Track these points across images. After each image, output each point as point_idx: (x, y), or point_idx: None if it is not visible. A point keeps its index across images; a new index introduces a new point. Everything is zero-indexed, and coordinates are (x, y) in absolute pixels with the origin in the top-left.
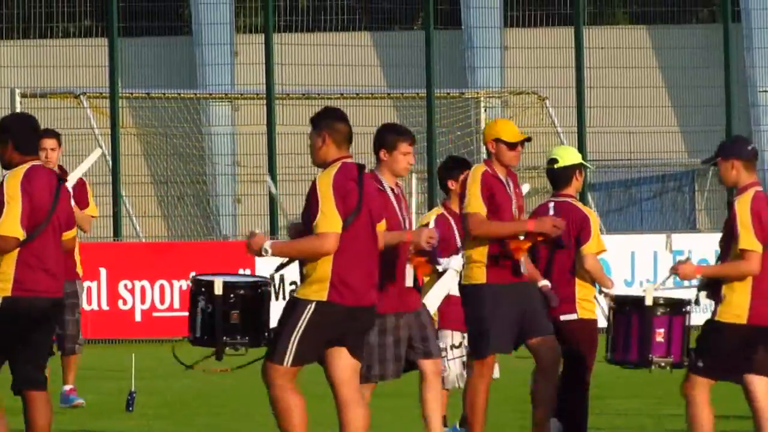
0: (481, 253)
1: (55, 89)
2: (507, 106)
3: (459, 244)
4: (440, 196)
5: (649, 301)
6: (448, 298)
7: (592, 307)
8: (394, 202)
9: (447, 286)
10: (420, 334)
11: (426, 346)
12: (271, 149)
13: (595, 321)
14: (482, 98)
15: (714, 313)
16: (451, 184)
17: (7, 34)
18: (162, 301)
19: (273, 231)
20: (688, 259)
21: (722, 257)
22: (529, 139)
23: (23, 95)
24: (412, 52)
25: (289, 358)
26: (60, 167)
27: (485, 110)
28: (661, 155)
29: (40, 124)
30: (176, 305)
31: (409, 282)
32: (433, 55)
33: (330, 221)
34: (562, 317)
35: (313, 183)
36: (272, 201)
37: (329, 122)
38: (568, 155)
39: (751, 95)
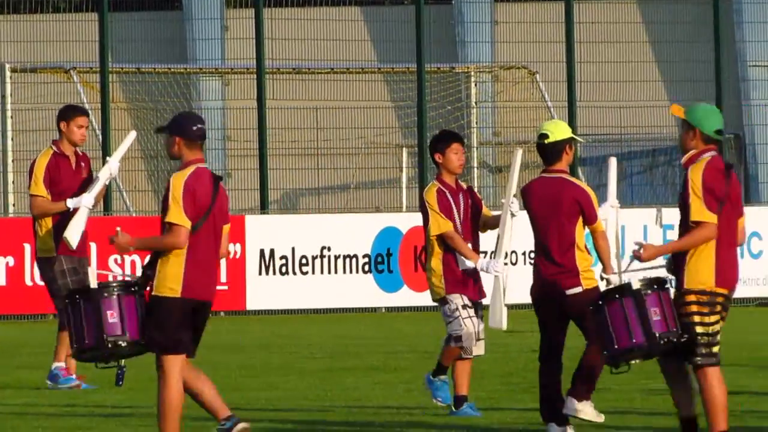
0: None
1: (45, 64)
2: (497, 81)
3: (456, 215)
4: (431, 170)
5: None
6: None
7: (593, 275)
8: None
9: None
10: None
11: None
12: (262, 124)
13: (598, 288)
14: (473, 73)
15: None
16: (438, 157)
17: None
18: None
19: (263, 206)
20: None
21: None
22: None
23: (13, 70)
24: (403, 27)
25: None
26: (84, 153)
27: (476, 85)
28: (651, 129)
29: (31, 99)
30: None
31: None
32: (424, 30)
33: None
34: (568, 292)
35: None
36: (263, 176)
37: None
38: (558, 130)
39: (741, 69)
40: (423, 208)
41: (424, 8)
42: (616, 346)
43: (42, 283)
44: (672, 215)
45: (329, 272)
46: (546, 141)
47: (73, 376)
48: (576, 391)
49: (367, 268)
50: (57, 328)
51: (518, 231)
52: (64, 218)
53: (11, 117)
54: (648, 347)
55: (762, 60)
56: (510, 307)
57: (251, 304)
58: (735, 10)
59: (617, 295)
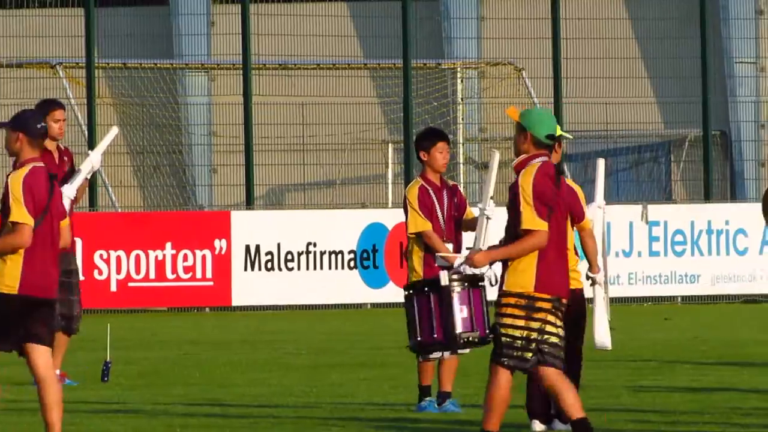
0: None
1: (31, 59)
2: (483, 77)
3: (439, 213)
4: (417, 167)
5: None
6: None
7: (579, 276)
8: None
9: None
10: None
11: None
12: (248, 119)
13: (582, 290)
14: (459, 69)
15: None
16: (423, 156)
17: None
18: (138, 271)
19: (249, 202)
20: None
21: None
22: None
23: None
24: (389, 23)
25: None
26: (66, 148)
27: (462, 81)
28: (637, 126)
29: (17, 94)
30: (152, 275)
31: None
32: (410, 26)
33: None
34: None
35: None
36: (249, 172)
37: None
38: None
39: (727, 66)
40: (404, 206)
41: (411, 4)
42: (419, 338)
43: None
44: (658, 212)
45: (315, 268)
46: None
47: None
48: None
49: (352, 264)
50: None
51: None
52: None
53: None
54: (447, 345)
55: (748, 57)
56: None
57: (237, 300)
58: (721, 7)
59: (426, 289)
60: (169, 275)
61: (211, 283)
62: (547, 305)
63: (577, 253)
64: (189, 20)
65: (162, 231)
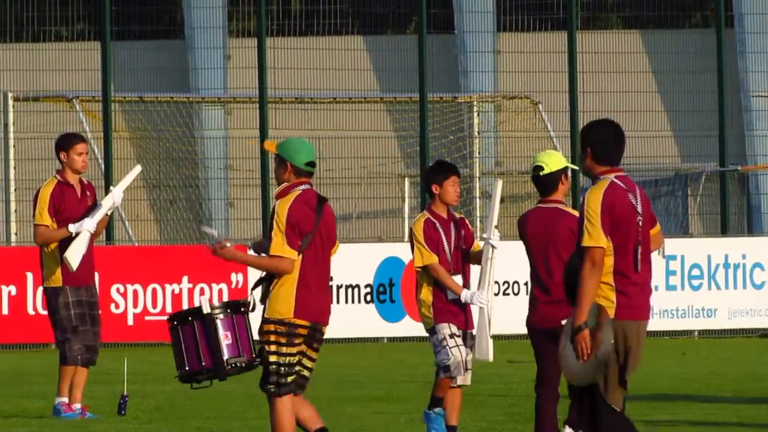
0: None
1: (47, 93)
2: (500, 111)
3: (446, 247)
4: None
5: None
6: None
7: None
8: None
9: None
10: None
11: None
12: (264, 153)
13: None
14: (475, 102)
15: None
16: (435, 189)
17: None
18: (154, 305)
19: (265, 235)
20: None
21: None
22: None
23: (16, 99)
24: (405, 56)
25: None
26: (89, 183)
27: (478, 114)
28: (653, 160)
29: (33, 128)
30: (168, 309)
31: None
32: (426, 60)
33: None
34: (564, 322)
35: None
36: (265, 205)
37: None
38: (553, 161)
39: (745, 100)
40: (411, 240)
41: (427, 38)
42: (186, 368)
43: (45, 312)
44: (675, 246)
45: (331, 302)
46: (541, 173)
47: (74, 412)
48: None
49: (369, 298)
50: (58, 361)
51: (518, 261)
52: (67, 244)
53: (14, 146)
54: (215, 371)
55: (765, 90)
56: (511, 337)
57: (254, 334)
58: (738, 40)
59: (190, 318)
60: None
61: None
62: (304, 331)
63: None
64: (205, 54)
65: (179, 265)
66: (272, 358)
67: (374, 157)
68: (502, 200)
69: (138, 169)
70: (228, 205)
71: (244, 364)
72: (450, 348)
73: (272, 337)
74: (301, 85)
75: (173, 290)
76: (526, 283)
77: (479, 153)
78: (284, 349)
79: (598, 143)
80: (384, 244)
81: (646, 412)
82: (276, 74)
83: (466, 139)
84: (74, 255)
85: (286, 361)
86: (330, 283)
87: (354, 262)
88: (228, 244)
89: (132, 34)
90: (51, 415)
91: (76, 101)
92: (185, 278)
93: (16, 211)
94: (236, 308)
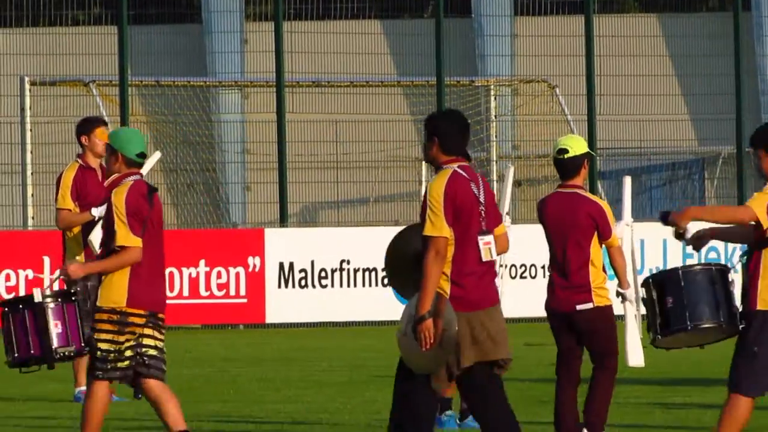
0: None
1: (64, 77)
2: (517, 94)
3: None
4: None
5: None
6: None
7: (606, 293)
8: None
9: None
10: None
11: None
12: (281, 137)
13: (610, 307)
14: (492, 86)
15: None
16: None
17: (16, 22)
18: (171, 289)
19: (283, 219)
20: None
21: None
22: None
23: (33, 83)
24: (422, 40)
25: None
26: (101, 166)
27: (495, 98)
28: (671, 143)
29: (50, 112)
30: (185, 293)
31: None
32: (443, 43)
33: None
34: (578, 307)
35: None
36: (282, 189)
37: None
38: (578, 145)
39: (762, 83)
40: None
41: (444, 21)
42: (16, 355)
43: None
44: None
45: (348, 285)
46: (565, 156)
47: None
48: (591, 425)
49: (386, 281)
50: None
51: (536, 244)
52: (90, 228)
53: (30, 130)
54: (44, 359)
55: None
56: (529, 320)
57: (270, 317)
58: (756, 24)
59: (21, 306)
60: (203, 293)
61: (244, 301)
62: (140, 320)
63: (605, 271)
64: (222, 38)
65: (196, 248)
66: (104, 346)
67: (391, 141)
68: (519, 184)
69: (158, 155)
70: (245, 188)
71: (72, 353)
72: None
73: (105, 326)
74: (318, 69)
75: (190, 274)
76: (543, 267)
77: (496, 137)
78: (116, 337)
79: (444, 134)
80: (401, 228)
81: (663, 395)
82: (293, 58)
83: (483, 123)
84: (98, 238)
85: (118, 348)
86: (165, 271)
87: (371, 246)
88: (69, 269)
89: (149, 18)
90: (72, 399)
91: (92, 85)
92: (202, 262)
93: (33, 195)
94: (68, 297)
